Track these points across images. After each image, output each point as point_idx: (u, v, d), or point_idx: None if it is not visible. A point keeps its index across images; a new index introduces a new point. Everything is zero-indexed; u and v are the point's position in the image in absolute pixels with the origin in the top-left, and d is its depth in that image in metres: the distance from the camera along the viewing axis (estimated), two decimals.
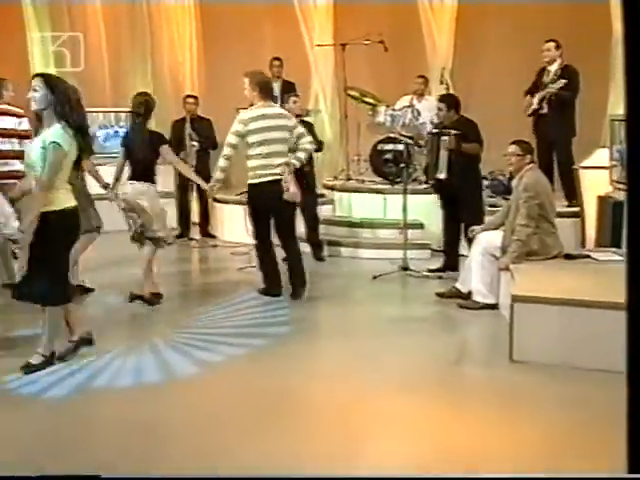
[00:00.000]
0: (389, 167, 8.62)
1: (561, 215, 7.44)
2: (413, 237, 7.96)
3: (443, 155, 6.91)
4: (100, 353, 4.80)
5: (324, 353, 4.97)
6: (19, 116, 6.51)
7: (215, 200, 9.30)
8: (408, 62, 10.46)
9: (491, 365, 4.74)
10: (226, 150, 6.11)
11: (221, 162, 6.17)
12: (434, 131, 7.20)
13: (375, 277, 7.06)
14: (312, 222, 7.99)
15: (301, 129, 6.19)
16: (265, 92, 6.10)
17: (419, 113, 8.91)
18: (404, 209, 7.39)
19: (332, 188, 9.00)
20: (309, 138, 6.17)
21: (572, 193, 7.63)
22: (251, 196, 6.24)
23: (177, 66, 10.55)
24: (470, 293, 6.07)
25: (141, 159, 6.04)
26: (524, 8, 9.75)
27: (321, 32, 10.26)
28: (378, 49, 9.50)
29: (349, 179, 9.09)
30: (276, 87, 9.36)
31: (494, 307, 5.90)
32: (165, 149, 6.09)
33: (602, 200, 6.94)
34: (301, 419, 3.93)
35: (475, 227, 6.25)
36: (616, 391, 3.99)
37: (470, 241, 6.27)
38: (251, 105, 6.18)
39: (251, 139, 5.98)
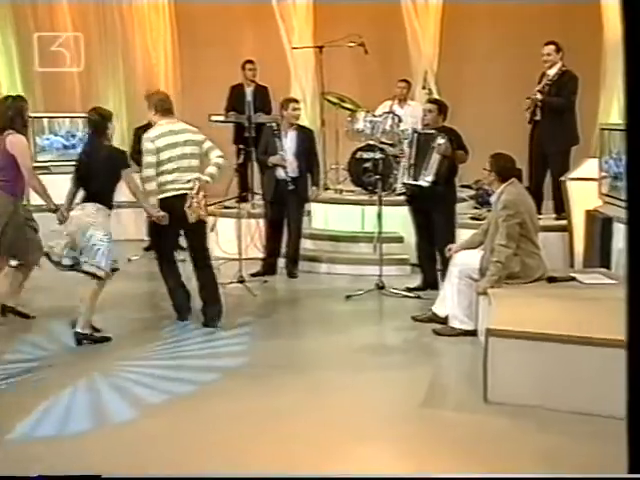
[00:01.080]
0: (368, 177, 8.09)
1: (548, 229, 7.04)
2: (391, 251, 7.51)
3: (435, 159, 6.41)
4: (30, 391, 4.30)
5: (276, 390, 4.44)
6: None
7: None
8: (393, 65, 10.05)
9: (463, 407, 4.22)
10: (146, 172, 5.59)
11: (147, 186, 5.58)
12: (427, 131, 6.70)
13: (348, 297, 6.56)
14: (294, 236, 7.49)
15: (209, 143, 5.74)
16: (163, 110, 5.70)
17: (400, 119, 8.39)
18: (379, 221, 6.89)
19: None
20: (218, 152, 5.70)
21: (562, 205, 7.13)
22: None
23: (151, 68, 10.02)
24: (447, 318, 5.58)
25: (94, 183, 5.40)
26: (514, 8, 9.30)
27: (300, 34, 9.73)
28: (361, 52, 9.07)
29: (327, 189, 8.58)
30: (249, 92, 8.90)
31: (472, 334, 5.40)
32: (127, 172, 5.47)
33: (590, 215, 6.43)
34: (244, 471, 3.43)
35: (452, 245, 5.75)
36: (603, 440, 3.53)
37: (445, 260, 5.76)
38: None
39: (159, 156, 5.54)
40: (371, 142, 8.20)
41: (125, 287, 6.95)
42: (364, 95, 9.72)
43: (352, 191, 8.40)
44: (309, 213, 8.34)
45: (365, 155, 8.10)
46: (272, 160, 7.28)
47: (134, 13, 9.88)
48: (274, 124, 7.42)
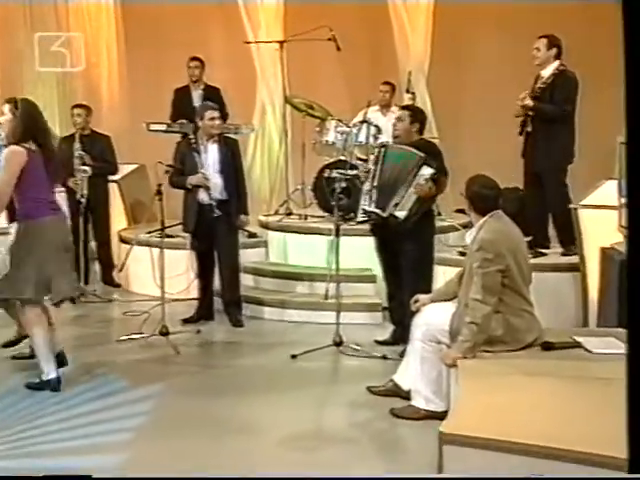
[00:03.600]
0: (339, 199, 7.01)
1: (556, 268, 6.03)
2: (360, 293, 6.51)
3: (411, 194, 5.29)
4: None
5: None
6: None
7: (121, 240, 7.76)
8: (381, 66, 8.99)
9: None
10: None
11: None
12: (405, 148, 5.50)
13: (294, 357, 5.46)
14: (229, 272, 6.41)
15: None
16: None
17: (379, 130, 7.29)
18: (335, 255, 5.81)
19: (266, 226, 7.40)
20: None
21: (569, 237, 6.01)
22: None
23: (90, 72, 9.02)
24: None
25: None
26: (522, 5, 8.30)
27: (268, 31, 8.67)
28: (344, 51, 8.02)
29: (289, 214, 7.49)
30: (196, 95, 7.85)
31: (442, 417, 4.23)
32: None
33: (606, 255, 5.27)
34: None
35: (420, 296, 4.59)
36: None
37: (412, 314, 4.62)
38: None
39: None
40: (343, 157, 7.16)
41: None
42: (351, 100, 8.75)
43: (321, 217, 7.31)
44: (265, 244, 7.30)
45: (334, 174, 7.00)
46: (191, 181, 6.21)
47: (70, 10, 8.90)
48: (191, 136, 6.33)
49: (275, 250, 7.24)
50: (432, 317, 4.30)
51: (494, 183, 4.24)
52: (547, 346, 4.11)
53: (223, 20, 9.37)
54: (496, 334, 4.06)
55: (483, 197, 4.15)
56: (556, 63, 6.07)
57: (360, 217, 5.73)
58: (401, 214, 5.39)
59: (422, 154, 5.33)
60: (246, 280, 6.80)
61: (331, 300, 6.00)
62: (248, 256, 7.03)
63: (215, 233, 6.24)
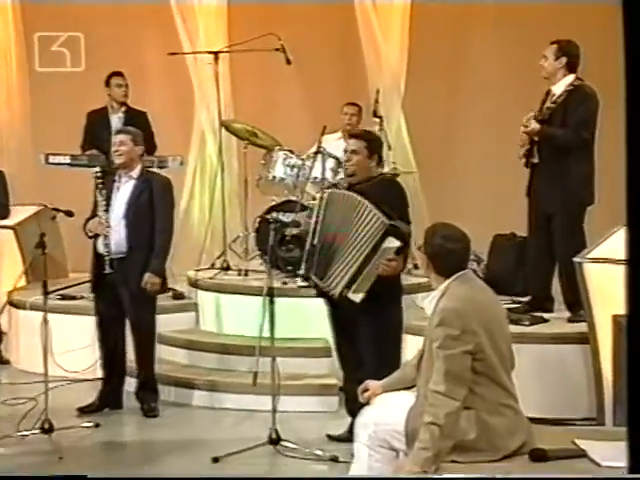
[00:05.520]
0: (287, 250, 6.58)
1: (561, 339, 5.64)
2: (310, 372, 6.11)
3: (373, 269, 4.76)
4: None
5: None
6: None
7: (10, 303, 7.23)
8: (349, 84, 8.78)
9: None
10: None
11: None
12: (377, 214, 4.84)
13: (215, 460, 4.94)
14: (138, 346, 5.93)
15: None
16: None
17: (339, 163, 6.83)
18: (270, 321, 5.28)
19: (195, 284, 6.96)
20: None
21: (577, 299, 5.57)
22: None
23: None
24: None
25: None
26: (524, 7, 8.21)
27: (208, 40, 8.27)
28: (304, 67, 8.14)
29: (226, 268, 7.03)
30: (116, 120, 7.45)
31: None
32: None
33: (619, 324, 4.80)
34: None
35: (370, 383, 4.05)
36: None
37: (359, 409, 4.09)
38: None
39: None
40: (293, 197, 6.86)
41: None
42: (313, 126, 8.39)
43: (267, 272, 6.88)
44: (195, 307, 6.89)
45: (283, 217, 6.64)
46: (89, 226, 5.83)
47: None
48: (98, 169, 5.88)
49: (207, 315, 6.83)
50: (383, 413, 3.75)
51: (461, 234, 3.74)
52: (538, 455, 3.56)
53: (155, 26, 9.04)
54: (467, 438, 3.52)
55: (447, 253, 3.65)
56: (570, 77, 5.74)
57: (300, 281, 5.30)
58: (357, 297, 4.86)
59: (386, 220, 4.69)
60: (168, 354, 6.39)
61: (265, 381, 5.44)
62: (173, 323, 6.65)
63: (119, 296, 5.79)
